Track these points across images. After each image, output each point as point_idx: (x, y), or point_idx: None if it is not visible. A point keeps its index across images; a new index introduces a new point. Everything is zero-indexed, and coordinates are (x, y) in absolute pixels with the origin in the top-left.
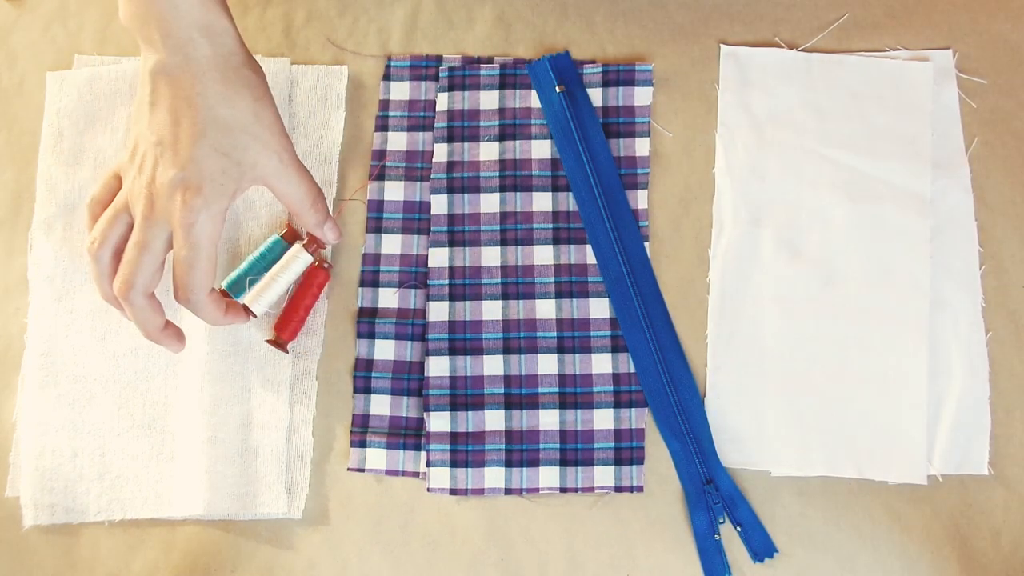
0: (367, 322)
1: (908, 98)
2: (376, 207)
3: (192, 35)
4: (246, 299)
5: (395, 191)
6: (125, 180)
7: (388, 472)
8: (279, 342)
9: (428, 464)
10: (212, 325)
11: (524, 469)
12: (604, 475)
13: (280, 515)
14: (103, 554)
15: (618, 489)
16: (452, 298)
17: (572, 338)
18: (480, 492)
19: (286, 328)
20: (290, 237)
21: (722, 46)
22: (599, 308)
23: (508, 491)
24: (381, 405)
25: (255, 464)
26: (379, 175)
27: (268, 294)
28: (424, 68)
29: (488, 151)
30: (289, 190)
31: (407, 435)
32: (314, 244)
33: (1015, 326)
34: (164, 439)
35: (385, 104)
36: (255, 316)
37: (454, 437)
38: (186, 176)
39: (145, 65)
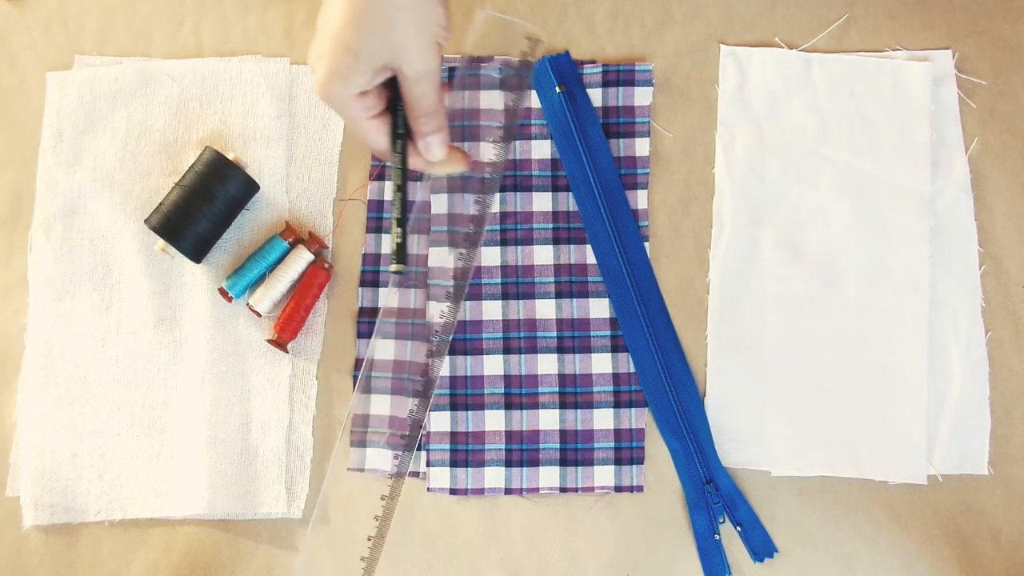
0: (367, 322)
1: (908, 98)
2: (376, 207)
3: None
4: (248, 299)
5: None
6: None
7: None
8: (279, 342)
9: (428, 464)
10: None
11: (524, 469)
12: (604, 475)
13: (280, 515)
14: (103, 554)
15: (618, 489)
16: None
17: (572, 338)
18: (480, 492)
19: (286, 328)
20: (289, 236)
21: (722, 46)
22: (599, 308)
23: (508, 491)
24: (381, 405)
25: (255, 464)
26: (379, 175)
27: (270, 294)
28: None
29: (488, 151)
30: (419, 95)
31: (405, 436)
32: (315, 244)
33: (1015, 326)
34: (164, 439)
35: None
36: (259, 316)
37: (454, 437)
38: (325, 57)
39: None
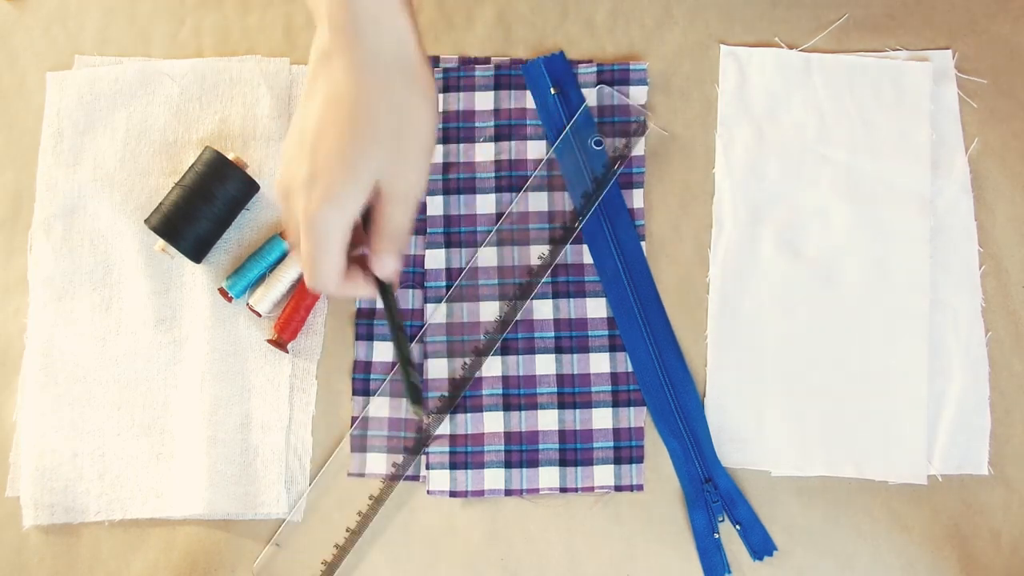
0: (365, 324)
1: (908, 98)
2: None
3: (369, 29)
4: (248, 299)
5: None
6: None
7: (388, 478)
8: (279, 342)
9: (428, 467)
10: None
11: (524, 470)
12: (604, 474)
13: (280, 515)
14: (103, 554)
15: (618, 488)
16: (450, 299)
17: (570, 338)
18: (480, 494)
19: (286, 328)
20: None
21: (722, 46)
22: (596, 308)
23: (508, 492)
24: (380, 407)
25: (255, 464)
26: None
27: (270, 294)
28: None
29: (484, 152)
30: (392, 221)
31: (406, 438)
32: None
33: (1015, 326)
34: (164, 439)
35: None
36: (259, 316)
37: (453, 439)
38: (318, 181)
39: (315, 46)
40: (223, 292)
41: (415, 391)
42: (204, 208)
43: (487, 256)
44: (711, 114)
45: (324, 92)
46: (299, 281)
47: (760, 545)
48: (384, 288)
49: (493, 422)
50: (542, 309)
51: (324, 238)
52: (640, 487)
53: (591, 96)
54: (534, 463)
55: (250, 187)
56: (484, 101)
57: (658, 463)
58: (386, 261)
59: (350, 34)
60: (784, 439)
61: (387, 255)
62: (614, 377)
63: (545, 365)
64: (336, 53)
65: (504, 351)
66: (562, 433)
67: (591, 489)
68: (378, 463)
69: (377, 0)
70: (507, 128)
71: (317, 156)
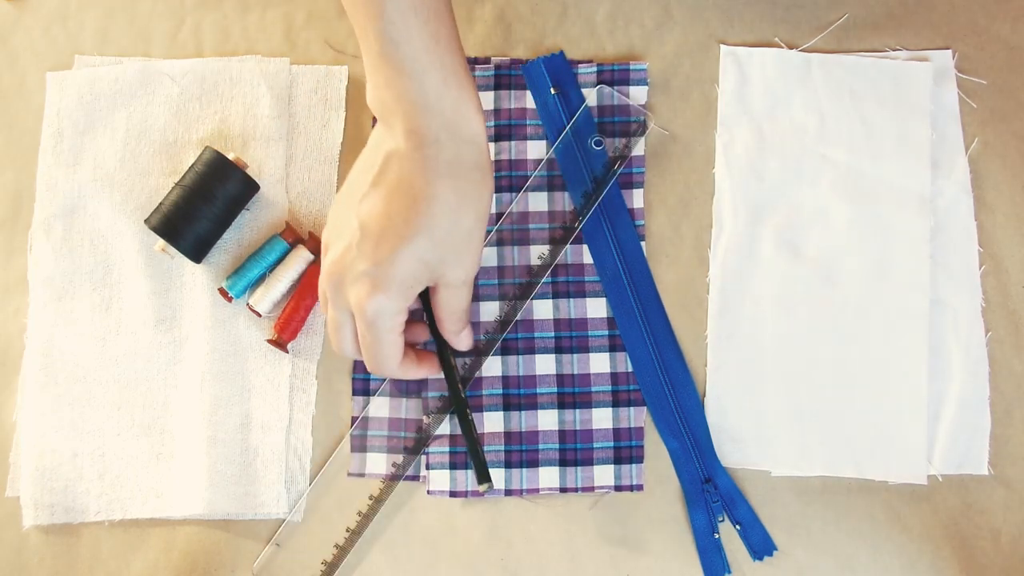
0: None
1: (908, 98)
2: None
3: (440, 136)
4: (248, 299)
5: None
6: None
7: (388, 478)
8: (279, 342)
9: (428, 467)
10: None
11: (524, 470)
12: (604, 474)
13: (280, 515)
14: (103, 554)
15: (618, 488)
16: None
17: (570, 338)
18: (480, 494)
19: (286, 328)
20: (289, 236)
21: (722, 46)
22: (596, 308)
23: (508, 492)
24: (380, 407)
25: (255, 464)
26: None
27: (271, 294)
28: None
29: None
30: (454, 304)
31: (406, 438)
32: (315, 244)
33: (1015, 326)
34: (164, 439)
35: None
36: (259, 316)
37: (453, 439)
38: (378, 273)
39: (381, 143)
40: (223, 292)
41: (483, 467)
42: (204, 208)
43: (487, 256)
44: (711, 114)
45: (394, 185)
46: (299, 281)
47: (760, 545)
48: (447, 366)
49: (493, 422)
50: (542, 309)
51: (383, 326)
52: (640, 487)
53: (591, 96)
54: (534, 463)
55: (250, 187)
56: (484, 101)
57: (658, 463)
58: (459, 339)
59: (429, 140)
60: (784, 439)
61: (456, 335)
62: (614, 377)
63: (545, 365)
64: (411, 153)
65: (504, 351)
66: (562, 433)
67: (591, 489)
68: (378, 463)
69: (454, 107)
70: (507, 128)
71: (381, 248)
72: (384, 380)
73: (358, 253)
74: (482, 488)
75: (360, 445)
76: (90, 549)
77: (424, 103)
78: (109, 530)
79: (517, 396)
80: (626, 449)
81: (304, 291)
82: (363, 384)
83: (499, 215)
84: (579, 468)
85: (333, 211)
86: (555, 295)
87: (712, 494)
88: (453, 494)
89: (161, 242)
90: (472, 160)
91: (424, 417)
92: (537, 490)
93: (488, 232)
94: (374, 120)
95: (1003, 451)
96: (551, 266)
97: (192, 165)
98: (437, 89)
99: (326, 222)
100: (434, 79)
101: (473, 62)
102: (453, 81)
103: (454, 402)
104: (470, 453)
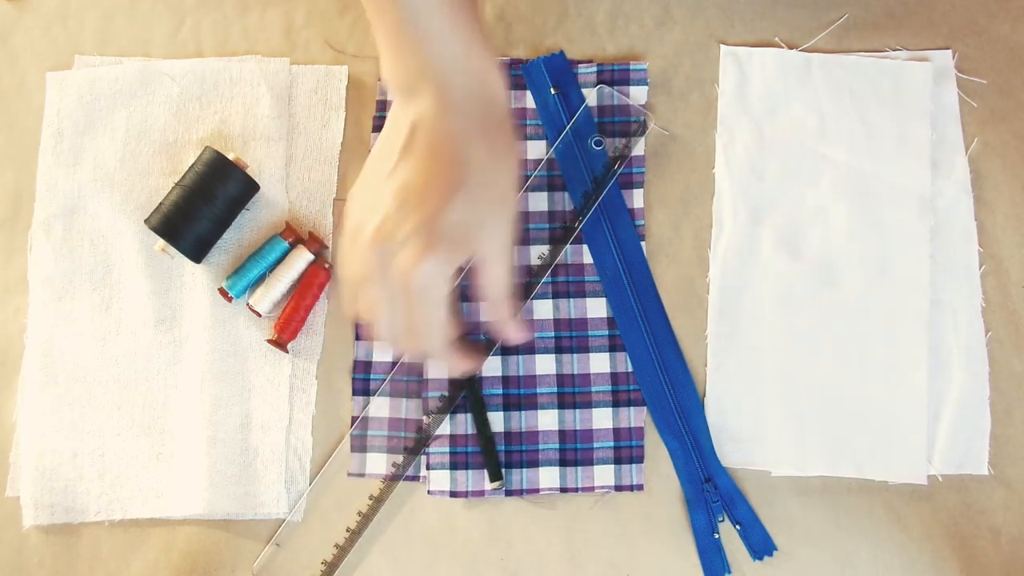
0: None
1: (908, 98)
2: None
3: (469, 98)
4: (248, 299)
5: None
6: (361, 225)
7: (388, 478)
8: (279, 342)
9: (428, 467)
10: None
11: (524, 470)
12: (604, 474)
13: (280, 515)
14: (103, 554)
15: (618, 488)
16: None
17: (570, 338)
18: (480, 494)
19: (286, 328)
20: (290, 236)
21: (722, 46)
22: (596, 308)
23: (508, 492)
24: (380, 407)
25: (255, 464)
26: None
27: (271, 294)
28: None
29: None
30: (495, 279)
31: (406, 438)
32: (315, 244)
33: (1015, 326)
34: (164, 439)
35: (384, 104)
36: (259, 316)
37: (453, 439)
38: (426, 232)
39: (402, 117)
40: (223, 292)
41: (495, 466)
42: (204, 208)
43: None
44: (711, 114)
45: (425, 150)
46: (299, 281)
47: (760, 545)
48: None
49: (493, 422)
50: (542, 309)
51: (432, 296)
52: (640, 487)
53: (591, 96)
54: (534, 463)
55: (250, 187)
56: None
57: (658, 463)
58: (510, 328)
59: (458, 103)
60: (784, 439)
61: (506, 323)
62: (614, 377)
63: (545, 365)
64: (441, 115)
65: (504, 351)
66: (562, 433)
67: (591, 489)
68: (378, 463)
69: (479, 70)
70: None
71: (424, 208)
72: (384, 380)
73: (400, 218)
74: (495, 485)
75: (360, 445)
76: (90, 549)
77: (452, 67)
78: (109, 530)
79: (517, 396)
80: (626, 449)
81: (304, 291)
82: (363, 384)
83: None
84: (579, 468)
85: (357, 194)
86: (555, 295)
87: (712, 494)
88: (453, 494)
89: (161, 242)
90: (499, 121)
91: (424, 417)
92: (537, 490)
93: None
94: (374, 120)
95: (1003, 451)
96: (551, 266)
97: (192, 165)
98: (463, 52)
99: (348, 207)
100: (458, 44)
101: None
102: (476, 47)
103: (472, 403)
104: (484, 452)
